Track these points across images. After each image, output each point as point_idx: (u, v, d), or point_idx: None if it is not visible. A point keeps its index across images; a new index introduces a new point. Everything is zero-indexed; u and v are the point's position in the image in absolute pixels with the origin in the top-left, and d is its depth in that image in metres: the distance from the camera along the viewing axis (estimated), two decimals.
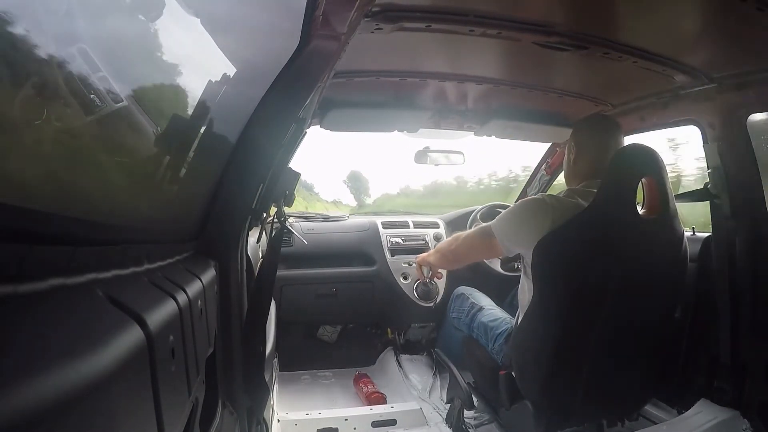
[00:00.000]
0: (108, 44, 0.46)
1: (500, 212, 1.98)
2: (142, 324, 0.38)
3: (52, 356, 0.26)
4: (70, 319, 0.31)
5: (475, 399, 1.47)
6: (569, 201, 1.16)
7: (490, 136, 1.92)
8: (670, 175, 1.14)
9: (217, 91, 0.69)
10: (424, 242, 2.15)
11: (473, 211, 2.13)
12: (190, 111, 0.66)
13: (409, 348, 2.17)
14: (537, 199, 1.20)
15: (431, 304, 2.05)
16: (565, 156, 1.33)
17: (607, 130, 1.26)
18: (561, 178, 2.20)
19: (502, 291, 1.75)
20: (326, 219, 2.22)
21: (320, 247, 2.01)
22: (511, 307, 1.53)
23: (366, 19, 0.97)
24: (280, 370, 1.97)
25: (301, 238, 1.70)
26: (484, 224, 1.34)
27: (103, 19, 0.46)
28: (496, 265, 2.03)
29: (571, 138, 1.32)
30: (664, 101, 1.44)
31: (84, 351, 0.29)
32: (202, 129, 0.69)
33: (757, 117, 1.27)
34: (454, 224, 2.23)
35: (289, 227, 1.12)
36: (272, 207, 1.02)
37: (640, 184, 1.10)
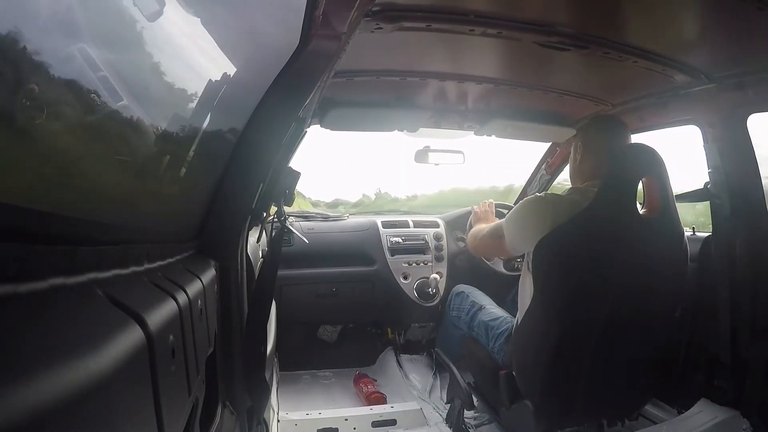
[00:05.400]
0: (108, 44, 0.46)
1: (501, 211, 2.00)
2: (142, 324, 0.38)
3: (52, 356, 0.26)
4: (70, 319, 0.31)
5: (475, 399, 1.47)
6: (570, 199, 1.16)
7: (490, 135, 1.92)
8: None
9: (217, 90, 0.69)
10: (424, 242, 2.14)
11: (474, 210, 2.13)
12: (190, 111, 0.66)
13: (409, 348, 2.17)
14: (537, 197, 1.20)
15: (431, 304, 2.05)
16: (571, 155, 1.32)
17: (615, 131, 1.25)
18: (560, 179, 2.20)
19: (502, 290, 1.75)
20: (326, 219, 2.22)
21: (320, 246, 2.01)
22: (513, 306, 1.53)
23: (366, 18, 0.97)
24: (280, 370, 1.97)
25: (302, 237, 1.70)
26: (498, 221, 1.35)
27: (104, 19, 0.46)
28: (498, 265, 2.03)
29: (578, 138, 1.32)
30: (664, 101, 1.44)
31: (84, 351, 0.29)
32: (202, 129, 0.69)
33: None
34: (454, 224, 2.23)
35: (290, 227, 1.12)
36: (272, 206, 1.02)
37: (640, 183, 1.10)
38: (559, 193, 1.26)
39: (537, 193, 1.26)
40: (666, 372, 1.30)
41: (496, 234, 1.31)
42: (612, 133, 1.24)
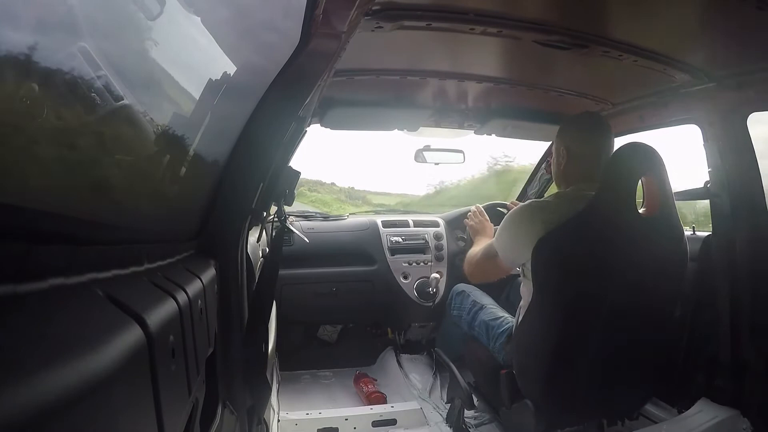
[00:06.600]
0: (109, 43, 0.46)
1: (501, 211, 2.00)
2: (142, 324, 0.38)
3: (52, 356, 0.26)
4: (70, 319, 0.31)
5: (475, 398, 1.47)
6: (556, 203, 1.16)
7: (491, 134, 1.93)
8: None
9: (217, 90, 0.68)
10: (424, 241, 2.15)
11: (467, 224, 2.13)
12: (190, 110, 0.66)
13: (410, 347, 2.17)
14: (521, 206, 1.20)
15: (431, 304, 2.05)
16: (554, 159, 1.28)
17: (598, 131, 1.22)
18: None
19: (498, 288, 1.75)
20: (326, 218, 2.22)
21: (320, 246, 2.01)
22: (507, 304, 1.53)
23: (366, 17, 0.97)
24: (280, 370, 1.97)
25: (303, 236, 1.70)
26: (488, 243, 1.32)
27: (104, 19, 0.46)
28: None
29: (559, 141, 1.27)
30: (665, 100, 1.44)
31: (84, 351, 0.29)
32: (202, 128, 0.69)
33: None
34: (454, 223, 2.23)
35: (290, 226, 1.12)
36: (272, 206, 1.02)
37: (639, 183, 1.10)
38: (544, 198, 1.25)
39: (521, 204, 1.24)
40: (666, 372, 1.30)
41: (489, 254, 1.28)
42: (596, 135, 1.21)
